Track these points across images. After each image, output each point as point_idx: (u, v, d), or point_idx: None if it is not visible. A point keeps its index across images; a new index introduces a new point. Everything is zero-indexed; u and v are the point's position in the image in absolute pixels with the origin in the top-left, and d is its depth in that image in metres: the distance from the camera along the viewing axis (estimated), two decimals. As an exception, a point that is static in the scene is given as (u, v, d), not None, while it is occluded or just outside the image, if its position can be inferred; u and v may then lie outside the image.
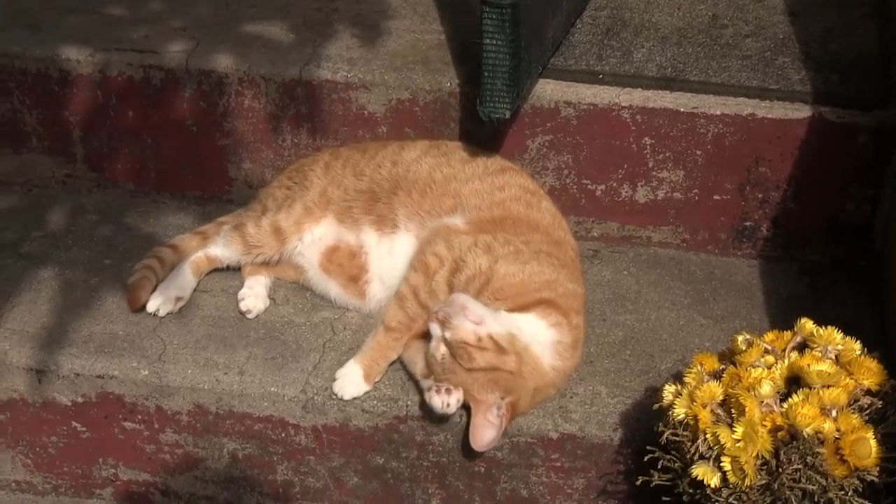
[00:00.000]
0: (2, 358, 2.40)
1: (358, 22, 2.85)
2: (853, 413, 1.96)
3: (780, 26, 2.80)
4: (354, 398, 2.30)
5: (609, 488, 2.31)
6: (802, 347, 2.09)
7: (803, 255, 2.67)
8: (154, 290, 2.52)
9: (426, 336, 2.26)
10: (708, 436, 1.97)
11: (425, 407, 2.24)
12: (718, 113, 2.55)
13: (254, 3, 2.95)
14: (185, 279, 2.54)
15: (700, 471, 1.96)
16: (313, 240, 2.53)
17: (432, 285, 2.31)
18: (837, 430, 1.94)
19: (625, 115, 2.58)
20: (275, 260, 2.55)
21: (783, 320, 2.26)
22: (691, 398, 2.04)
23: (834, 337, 2.06)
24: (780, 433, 1.95)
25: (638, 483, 2.12)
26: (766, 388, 1.99)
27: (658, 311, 2.54)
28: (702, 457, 1.98)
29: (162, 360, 2.39)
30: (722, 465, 1.94)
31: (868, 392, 2.01)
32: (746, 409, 1.97)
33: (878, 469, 1.92)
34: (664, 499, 2.06)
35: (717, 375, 2.09)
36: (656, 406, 2.11)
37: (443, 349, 2.17)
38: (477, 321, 2.16)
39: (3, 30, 2.83)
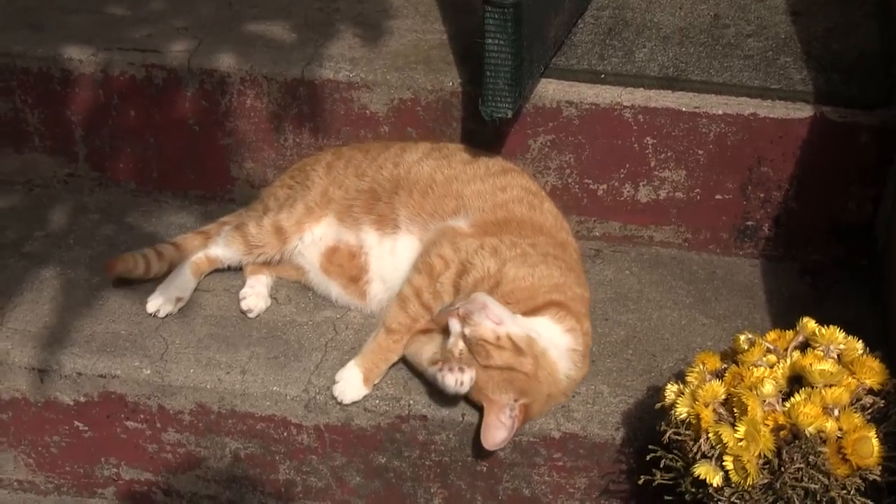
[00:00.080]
0: (4, 357, 2.40)
1: (360, 21, 2.85)
2: (855, 412, 1.97)
3: (782, 26, 2.80)
4: (354, 402, 2.31)
5: (611, 487, 2.31)
6: (804, 347, 2.09)
7: (805, 255, 2.67)
8: (137, 271, 2.52)
9: (429, 331, 2.27)
10: (710, 435, 1.97)
11: (435, 389, 2.24)
12: (720, 112, 2.55)
13: (256, 2, 2.95)
14: (186, 279, 2.54)
15: (702, 470, 1.96)
16: (313, 240, 2.53)
17: (437, 287, 2.30)
18: (840, 429, 1.94)
19: (627, 114, 2.59)
20: (276, 260, 2.55)
21: (785, 320, 2.26)
22: (693, 397, 2.04)
23: (836, 336, 2.06)
24: (782, 432, 1.95)
25: (640, 482, 2.12)
26: (768, 388, 1.99)
27: (660, 311, 2.54)
28: (704, 456, 1.98)
29: (164, 360, 2.39)
30: (724, 464, 1.94)
31: (870, 391, 2.01)
32: (749, 408, 1.97)
33: (880, 468, 1.93)
34: (666, 498, 2.06)
35: (719, 375, 2.09)
36: (658, 405, 2.12)
37: (461, 345, 2.17)
38: (497, 321, 2.16)
39: (5, 29, 2.83)
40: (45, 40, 2.78)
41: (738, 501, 1.94)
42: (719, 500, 1.95)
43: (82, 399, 2.40)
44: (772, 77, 2.60)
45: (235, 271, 2.60)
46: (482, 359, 2.15)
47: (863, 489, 1.92)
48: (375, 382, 2.32)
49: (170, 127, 2.78)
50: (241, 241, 2.54)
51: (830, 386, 1.98)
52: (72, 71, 2.74)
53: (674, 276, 2.65)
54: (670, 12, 2.85)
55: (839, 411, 1.96)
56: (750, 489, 1.93)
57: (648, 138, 2.60)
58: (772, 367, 2.05)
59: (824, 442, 1.93)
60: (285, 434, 2.37)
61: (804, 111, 2.53)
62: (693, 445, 2.00)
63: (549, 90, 2.60)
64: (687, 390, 2.06)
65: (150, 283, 2.55)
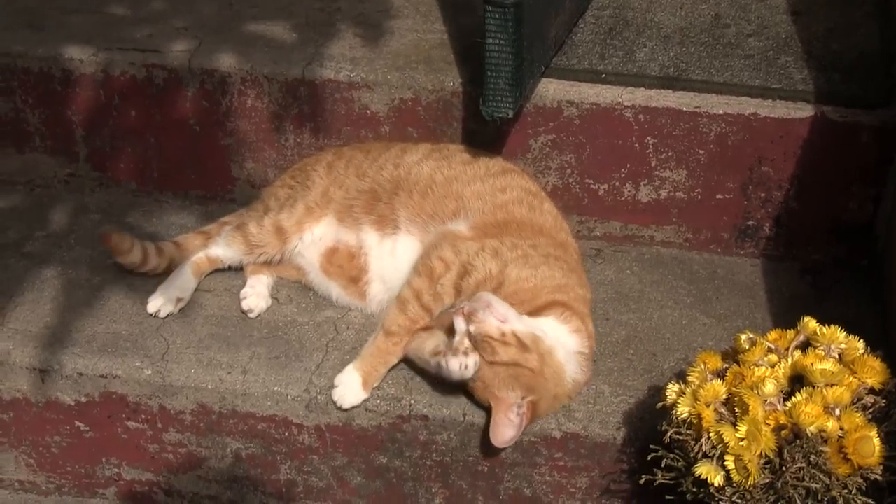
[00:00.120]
0: (5, 358, 2.40)
1: (360, 21, 2.85)
2: (856, 411, 1.97)
3: (783, 26, 2.80)
4: (353, 406, 2.30)
5: (612, 487, 2.31)
6: (805, 346, 2.09)
7: (806, 255, 2.68)
8: (132, 257, 2.53)
9: (430, 329, 2.27)
10: (711, 434, 1.97)
11: (438, 382, 2.25)
12: (721, 112, 2.55)
13: (256, 2, 2.95)
14: (186, 280, 2.54)
15: (703, 469, 1.96)
16: (313, 240, 2.53)
17: (437, 288, 2.30)
18: (841, 428, 1.94)
19: (627, 114, 2.59)
20: (277, 259, 2.55)
21: (786, 319, 2.26)
22: (695, 397, 2.04)
23: (837, 336, 2.06)
24: (783, 432, 1.96)
25: (641, 482, 2.12)
26: (769, 387, 1.99)
27: (661, 311, 2.54)
28: (705, 455, 1.98)
29: (165, 360, 2.39)
30: (725, 463, 1.94)
31: (871, 391, 2.01)
32: (750, 407, 1.97)
33: (881, 467, 1.93)
34: (667, 498, 2.06)
35: (720, 374, 2.09)
36: (659, 405, 2.12)
37: (466, 343, 2.17)
38: (502, 319, 2.17)
39: (6, 29, 2.83)
40: (46, 40, 2.78)
41: (739, 501, 1.94)
42: (721, 499, 1.95)
43: (83, 399, 2.40)
44: (772, 77, 2.60)
45: (236, 271, 2.60)
46: (488, 355, 2.15)
47: (864, 488, 1.92)
48: (374, 386, 2.31)
49: (170, 127, 2.78)
50: (241, 241, 2.54)
51: (832, 385, 1.98)
52: (72, 71, 2.74)
53: (675, 276, 2.65)
54: (671, 12, 2.85)
55: (840, 411, 1.96)
56: (751, 489, 1.93)
57: (649, 138, 2.60)
58: (773, 366, 2.05)
59: (825, 441, 1.93)
60: (286, 434, 2.37)
61: (805, 111, 2.53)
62: (694, 445, 2.00)
63: (550, 90, 2.60)
64: (688, 390, 2.06)
65: (146, 278, 2.55)
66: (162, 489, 2.49)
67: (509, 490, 2.36)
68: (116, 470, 2.49)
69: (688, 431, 2.02)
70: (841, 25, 2.79)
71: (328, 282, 2.53)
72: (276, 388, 2.34)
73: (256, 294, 2.52)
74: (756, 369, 2.03)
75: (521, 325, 2.19)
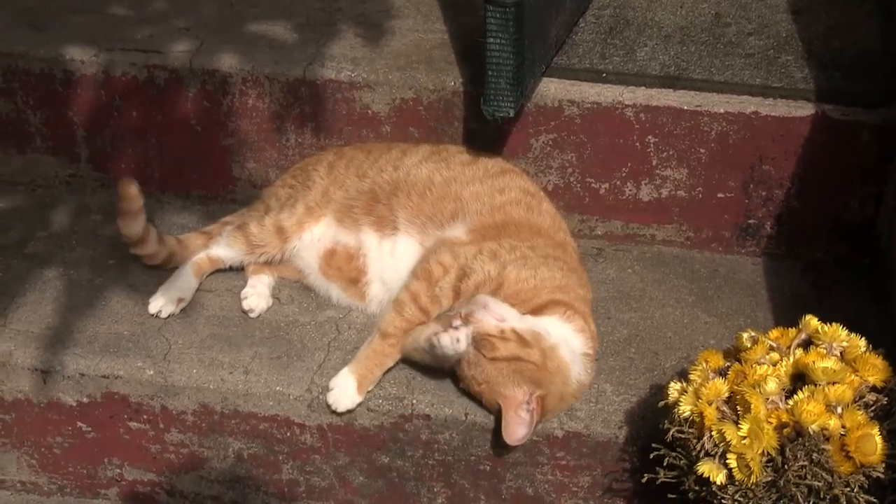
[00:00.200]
0: (7, 358, 2.40)
1: (361, 21, 2.86)
2: (858, 409, 1.97)
3: (783, 24, 2.80)
4: (348, 410, 2.30)
5: (614, 486, 2.31)
6: (807, 344, 2.09)
7: (807, 253, 2.68)
8: (135, 227, 2.51)
9: (426, 324, 2.27)
10: (713, 433, 1.97)
11: (434, 368, 2.26)
12: (722, 111, 2.55)
13: (257, 2, 2.95)
14: (187, 280, 2.54)
15: (706, 468, 1.96)
16: (312, 240, 2.53)
17: (435, 291, 2.30)
18: (843, 426, 1.94)
19: (628, 113, 2.59)
20: (278, 259, 2.55)
21: (787, 318, 2.26)
22: (697, 395, 2.04)
23: (839, 333, 2.06)
24: (785, 430, 1.96)
25: (643, 480, 2.12)
26: (771, 385, 1.99)
27: (662, 309, 2.54)
28: (707, 454, 1.98)
29: (167, 360, 2.39)
30: (727, 461, 1.94)
31: (873, 388, 2.01)
32: (752, 405, 1.97)
33: (883, 465, 1.93)
34: (670, 496, 2.07)
35: (722, 373, 2.09)
36: (661, 403, 2.12)
37: (458, 321, 2.17)
38: (500, 318, 2.17)
39: (7, 29, 2.83)
40: (47, 41, 2.78)
41: (741, 499, 1.94)
42: (723, 498, 1.95)
43: (85, 400, 2.40)
44: (773, 75, 2.61)
45: (237, 271, 2.60)
46: (488, 352, 2.15)
47: (866, 486, 1.92)
48: (369, 389, 2.31)
49: (172, 127, 2.78)
50: (243, 241, 2.55)
51: (833, 383, 1.98)
52: (74, 72, 2.74)
53: (676, 275, 2.65)
54: (671, 11, 2.85)
55: (842, 409, 1.96)
56: (753, 487, 1.93)
57: (650, 137, 2.60)
58: (775, 364, 2.05)
59: (827, 439, 1.93)
60: (288, 434, 2.37)
61: (805, 109, 2.53)
62: (696, 443, 2.00)
63: (551, 89, 2.60)
64: (690, 388, 2.06)
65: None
66: (164, 489, 2.49)
67: (511, 489, 2.36)
68: (118, 470, 2.49)
69: (690, 430, 2.02)
70: (841, 24, 2.79)
71: (327, 283, 2.53)
72: (277, 388, 2.34)
73: (257, 294, 2.52)
74: (758, 367, 2.03)
75: (521, 322, 2.19)
